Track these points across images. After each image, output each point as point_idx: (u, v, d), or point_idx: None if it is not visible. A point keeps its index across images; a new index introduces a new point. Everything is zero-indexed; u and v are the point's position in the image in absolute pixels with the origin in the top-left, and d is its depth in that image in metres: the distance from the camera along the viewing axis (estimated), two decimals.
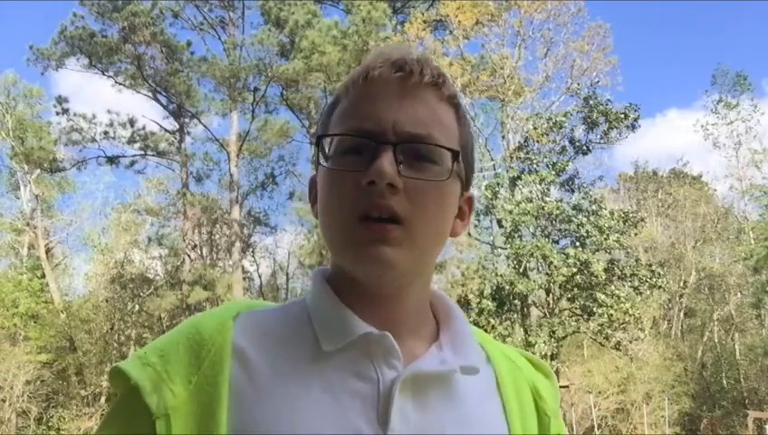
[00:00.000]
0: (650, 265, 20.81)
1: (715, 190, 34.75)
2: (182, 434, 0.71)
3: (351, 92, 0.81)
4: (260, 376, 0.73)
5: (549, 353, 18.79)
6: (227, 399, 0.71)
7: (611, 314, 18.67)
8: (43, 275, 24.80)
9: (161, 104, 24.99)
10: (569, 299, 20.14)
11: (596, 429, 22.74)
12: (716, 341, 30.61)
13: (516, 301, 19.50)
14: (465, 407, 0.78)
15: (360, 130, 0.77)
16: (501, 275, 19.50)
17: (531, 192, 20.03)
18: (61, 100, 23.86)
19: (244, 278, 25.75)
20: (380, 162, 0.73)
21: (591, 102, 20.45)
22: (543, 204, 19.26)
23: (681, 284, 31.02)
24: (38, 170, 24.75)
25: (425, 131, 0.77)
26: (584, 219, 19.34)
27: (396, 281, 0.78)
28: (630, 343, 20.44)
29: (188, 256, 25.25)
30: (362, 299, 0.78)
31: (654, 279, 19.66)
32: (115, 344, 24.82)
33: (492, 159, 22.15)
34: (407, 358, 0.77)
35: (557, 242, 20.02)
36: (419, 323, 0.82)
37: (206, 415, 0.71)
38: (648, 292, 20.60)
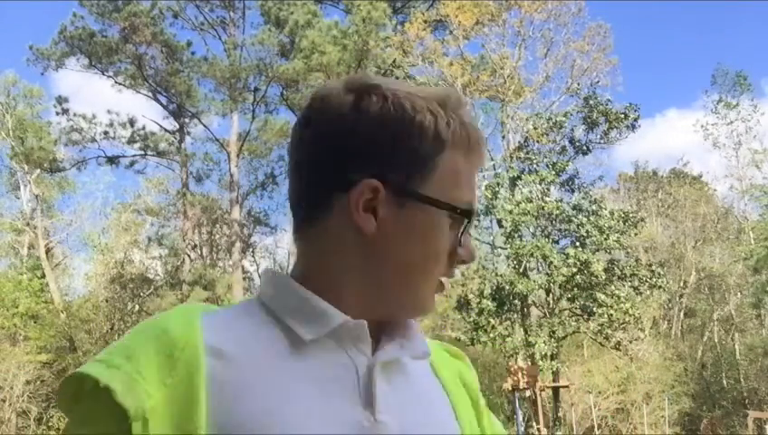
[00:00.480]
0: (650, 265, 20.83)
1: (715, 190, 34.82)
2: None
3: (468, 156, 0.84)
4: (240, 371, 0.73)
5: (549, 353, 18.79)
6: (206, 398, 0.70)
7: (611, 314, 18.68)
8: (43, 275, 24.80)
9: (161, 104, 25.03)
10: (569, 299, 20.14)
11: (596, 429, 22.74)
12: (716, 341, 30.61)
13: (516, 301, 19.51)
14: (419, 387, 0.85)
15: (471, 208, 0.83)
16: (501, 275, 19.51)
17: (531, 192, 20.04)
18: (61, 100, 23.91)
19: (244, 278, 25.76)
20: (475, 248, 0.86)
21: (591, 102, 20.47)
22: (543, 204, 19.27)
23: (681, 284, 31.03)
24: (38, 170, 24.76)
25: None
26: (584, 219, 19.35)
27: None
28: (630, 343, 20.45)
29: (188, 256, 25.26)
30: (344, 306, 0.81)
31: (654, 279, 19.67)
32: None
33: (492, 159, 22.14)
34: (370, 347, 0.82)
35: (557, 242, 20.03)
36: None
37: (184, 417, 0.69)
38: (648, 292, 20.62)
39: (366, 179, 0.78)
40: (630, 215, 20.31)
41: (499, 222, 20.58)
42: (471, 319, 19.52)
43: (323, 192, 0.80)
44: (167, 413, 0.70)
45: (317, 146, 0.81)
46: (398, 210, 0.79)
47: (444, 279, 0.84)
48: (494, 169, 21.66)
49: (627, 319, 18.92)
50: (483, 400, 0.97)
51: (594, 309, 19.00)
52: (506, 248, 20.07)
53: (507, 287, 18.96)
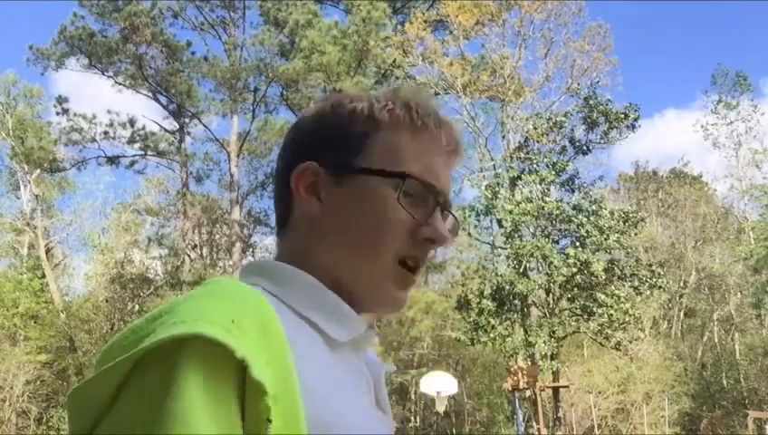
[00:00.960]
0: (650, 265, 20.81)
1: (715, 190, 34.83)
2: (287, 424, 0.61)
3: (418, 137, 0.84)
4: (311, 365, 0.69)
5: (549, 353, 18.79)
6: (299, 390, 0.64)
7: (611, 314, 18.67)
8: (43, 275, 24.79)
9: (161, 104, 25.02)
10: (569, 299, 20.14)
11: (596, 429, 22.74)
12: (716, 341, 30.62)
13: (516, 301, 19.50)
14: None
15: (430, 184, 0.82)
16: (501, 275, 19.50)
17: (531, 192, 20.04)
18: (61, 100, 23.90)
19: None
20: (444, 228, 0.82)
21: (591, 102, 20.46)
22: (543, 204, 19.26)
23: (681, 284, 31.03)
24: (38, 170, 24.75)
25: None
26: (584, 219, 19.35)
27: None
28: (630, 343, 20.45)
29: (188, 256, 25.24)
30: None
31: (654, 279, 19.66)
32: None
33: (492, 159, 22.15)
34: None
35: (557, 242, 20.02)
36: None
37: (289, 406, 0.62)
38: (648, 292, 20.61)
39: (301, 163, 0.82)
40: (630, 215, 20.29)
41: (499, 222, 20.57)
42: (471, 319, 19.51)
43: (283, 191, 0.85)
44: (277, 398, 0.61)
45: (282, 151, 0.89)
46: (336, 188, 0.81)
47: (415, 277, 0.82)
48: (494, 169, 21.66)
49: (627, 319, 18.91)
50: None
51: (594, 309, 18.99)
52: (506, 248, 20.06)
53: (507, 287, 18.96)
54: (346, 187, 0.81)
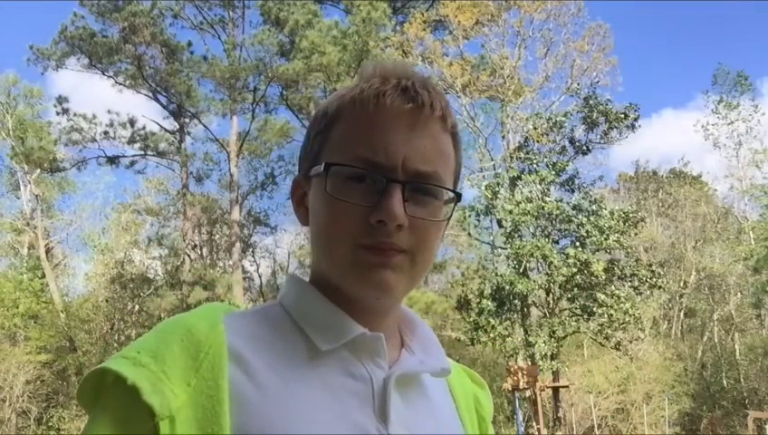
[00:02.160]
0: (650, 265, 20.82)
1: (716, 190, 34.81)
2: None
3: (358, 115, 0.80)
4: (260, 377, 0.74)
5: (549, 353, 18.78)
6: (228, 402, 0.71)
7: (611, 314, 18.68)
8: (43, 275, 24.79)
9: (161, 104, 25.02)
10: (569, 299, 20.14)
11: (596, 429, 22.74)
12: (716, 341, 30.60)
13: (516, 301, 19.51)
14: (434, 404, 0.85)
15: (368, 161, 0.78)
16: (501, 275, 19.50)
17: (531, 192, 20.04)
18: (61, 100, 23.89)
19: (244, 278, 25.74)
20: (392, 204, 0.76)
21: (591, 102, 20.47)
22: (543, 204, 19.26)
23: (681, 284, 31.02)
24: (38, 170, 24.75)
25: (432, 169, 0.79)
26: (584, 219, 19.35)
27: (389, 301, 0.82)
28: (630, 343, 20.45)
29: (188, 256, 25.23)
30: (346, 308, 0.81)
31: (654, 279, 19.67)
32: (115, 344, 24.80)
33: (492, 159, 22.15)
34: (387, 360, 0.82)
35: (557, 242, 20.02)
36: (392, 330, 0.86)
37: (208, 418, 0.70)
38: (648, 292, 20.62)
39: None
40: (630, 215, 20.29)
41: (499, 222, 20.57)
42: (471, 319, 19.52)
43: None
44: (191, 415, 0.70)
45: None
46: (309, 195, 0.85)
47: (382, 258, 0.77)
48: (494, 169, 21.66)
49: (627, 319, 18.92)
50: (490, 423, 0.98)
51: (594, 309, 18.99)
52: (506, 248, 20.07)
53: (507, 287, 18.96)
54: (311, 192, 0.84)
